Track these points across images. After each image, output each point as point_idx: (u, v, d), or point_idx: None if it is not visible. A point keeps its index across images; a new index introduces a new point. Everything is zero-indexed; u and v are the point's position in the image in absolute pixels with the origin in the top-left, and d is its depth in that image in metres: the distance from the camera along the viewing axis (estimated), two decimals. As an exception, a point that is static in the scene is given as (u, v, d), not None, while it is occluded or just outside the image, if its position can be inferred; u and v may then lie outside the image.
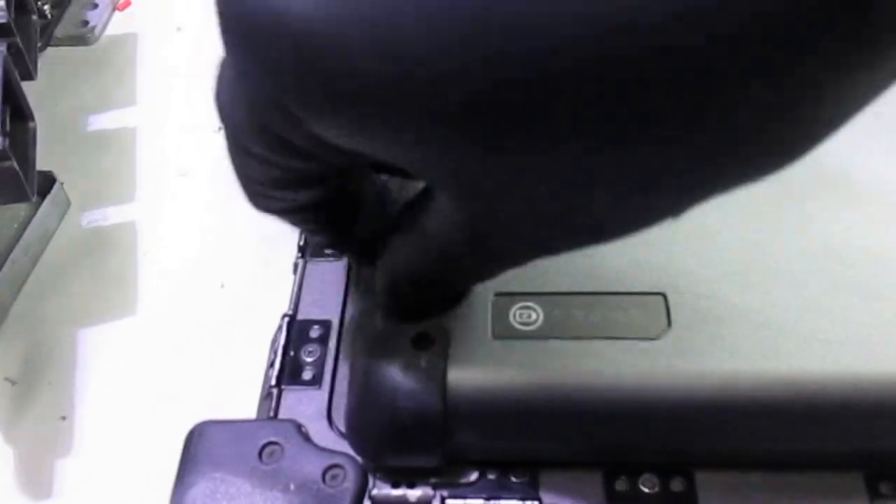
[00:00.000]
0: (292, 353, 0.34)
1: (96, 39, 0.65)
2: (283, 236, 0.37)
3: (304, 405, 0.32)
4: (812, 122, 0.20)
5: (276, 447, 0.30)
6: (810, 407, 0.28)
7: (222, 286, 0.49)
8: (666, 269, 0.31)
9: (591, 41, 0.18)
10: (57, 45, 0.64)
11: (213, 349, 0.46)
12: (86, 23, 0.65)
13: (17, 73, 0.46)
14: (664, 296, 0.30)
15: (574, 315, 0.29)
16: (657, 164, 0.20)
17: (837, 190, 0.33)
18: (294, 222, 0.29)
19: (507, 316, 0.30)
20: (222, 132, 0.25)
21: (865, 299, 0.30)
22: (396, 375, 0.28)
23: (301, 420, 0.32)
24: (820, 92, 0.19)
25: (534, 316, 0.30)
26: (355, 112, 0.20)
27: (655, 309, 0.30)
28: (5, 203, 0.45)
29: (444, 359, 0.28)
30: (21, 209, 0.50)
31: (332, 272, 0.36)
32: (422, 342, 0.28)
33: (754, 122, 0.19)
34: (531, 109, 0.19)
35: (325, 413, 0.32)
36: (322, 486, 0.30)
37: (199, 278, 0.50)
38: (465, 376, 0.28)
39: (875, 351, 0.29)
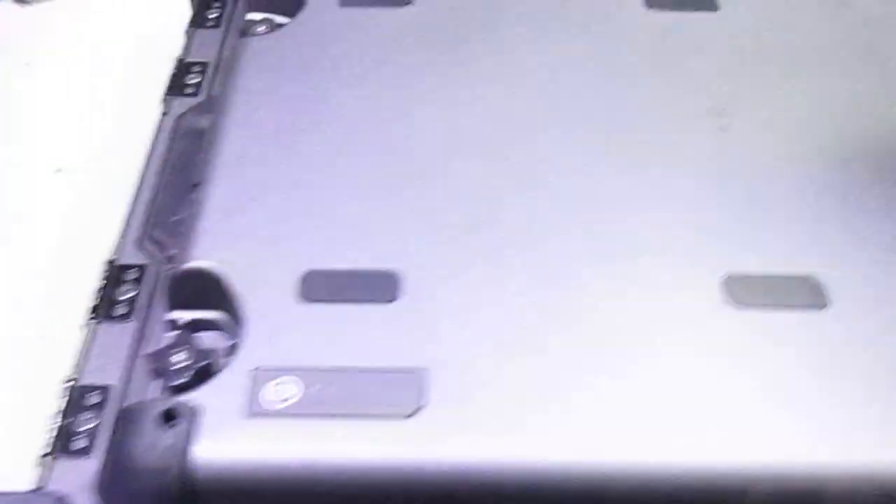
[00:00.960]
0: (70, 421, 0.33)
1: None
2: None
3: (75, 475, 0.32)
4: None
5: (35, 521, 0.30)
6: (562, 494, 0.29)
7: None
8: (427, 343, 0.31)
9: None
10: None
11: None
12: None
13: None
14: (422, 371, 0.30)
15: (329, 392, 0.30)
16: None
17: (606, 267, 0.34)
18: None
19: (264, 392, 0.30)
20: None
21: (619, 381, 0.31)
22: (141, 453, 0.28)
23: (70, 490, 0.31)
24: None
25: (290, 392, 0.30)
26: None
27: (411, 385, 0.30)
28: None
29: (186, 438, 0.28)
30: None
31: (120, 335, 0.35)
32: (168, 419, 0.28)
33: None
34: None
35: (93, 483, 0.31)
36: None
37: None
38: (213, 454, 0.28)
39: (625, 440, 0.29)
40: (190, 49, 0.49)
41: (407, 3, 0.46)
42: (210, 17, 0.51)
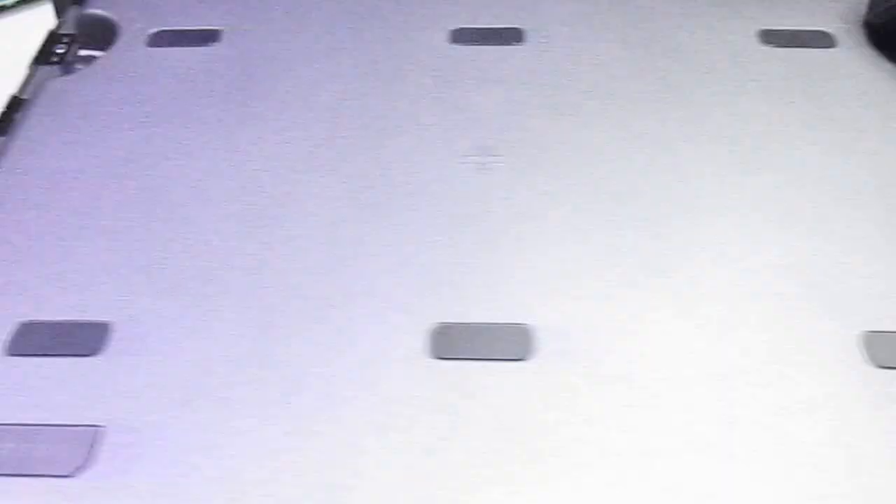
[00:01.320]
0: None
1: None
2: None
3: None
4: None
5: None
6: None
7: None
8: (115, 399, 0.31)
9: None
10: None
11: None
12: None
13: None
14: (98, 429, 0.30)
15: (4, 451, 0.29)
16: None
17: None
18: None
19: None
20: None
21: (311, 441, 0.30)
22: None
23: None
24: None
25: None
26: None
27: (81, 444, 0.29)
28: None
29: None
30: None
31: None
32: None
33: None
34: None
35: None
36: None
37: None
38: None
39: None
40: (26, 86, 0.49)
41: (211, 43, 0.46)
42: (56, 52, 0.51)
